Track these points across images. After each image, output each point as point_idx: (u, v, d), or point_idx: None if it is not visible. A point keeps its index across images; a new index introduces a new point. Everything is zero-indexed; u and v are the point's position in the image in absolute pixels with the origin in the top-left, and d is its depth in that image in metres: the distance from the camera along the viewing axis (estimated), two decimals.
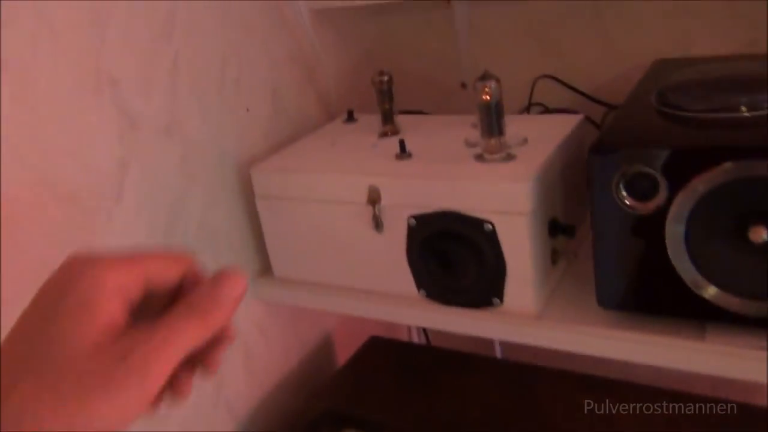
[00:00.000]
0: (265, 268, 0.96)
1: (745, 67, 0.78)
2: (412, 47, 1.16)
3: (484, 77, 0.74)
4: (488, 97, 0.74)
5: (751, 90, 0.69)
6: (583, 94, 1.02)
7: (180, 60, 0.82)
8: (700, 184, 0.62)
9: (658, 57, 0.95)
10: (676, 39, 0.96)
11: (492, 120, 0.75)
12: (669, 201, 0.64)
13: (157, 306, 0.41)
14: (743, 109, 0.66)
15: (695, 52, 0.95)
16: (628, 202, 0.65)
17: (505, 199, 0.72)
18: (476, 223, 0.74)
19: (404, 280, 0.82)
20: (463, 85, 1.15)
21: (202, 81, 0.85)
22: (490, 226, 0.74)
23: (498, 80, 0.74)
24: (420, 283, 0.82)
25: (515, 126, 0.85)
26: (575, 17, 1.02)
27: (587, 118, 0.98)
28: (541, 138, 0.81)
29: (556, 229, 0.78)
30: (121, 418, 0.35)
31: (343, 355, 1.13)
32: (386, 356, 1.10)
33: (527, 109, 1.05)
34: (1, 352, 0.36)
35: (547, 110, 1.05)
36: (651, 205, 0.65)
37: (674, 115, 0.69)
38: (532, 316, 0.76)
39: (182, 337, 0.38)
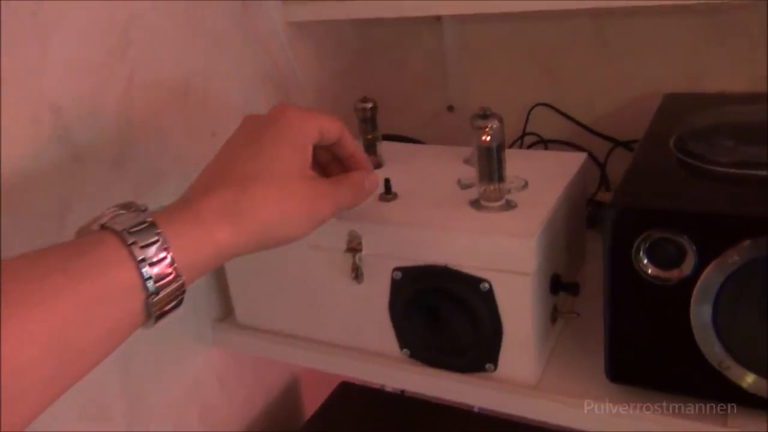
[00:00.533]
0: (227, 313, 0.86)
1: (757, 111, 0.70)
2: (397, 65, 1.07)
3: (485, 115, 0.65)
4: (489, 139, 0.65)
5: None
6: (582, 125, 0.94)
7: (136, 80, 0.71)
8: (735, 255, 0.54)
9: (665, 88, 0.87)
10: (686, 69, 0.88)
11: (492, 165, 0.66)
12: (697, 271, 0.55)
13: (319, 151, 0.62)
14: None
15: (705, 84, 0.87)
16: (649, 271, 0.57)
17: (506, 256, 0.63)
18: (471, 281, 0.65)
19: (385, 337, 0.73)
20: (450, 108, 1.06)
21: (162, 103, 0.75)
22: (487, 285, 0.65)
23: (501, 120, 0.65)
24: (403, 342, 0.73)
25: (512, 164, 0.76)
26: (576, 41, 0.93)
27: (588, 154, 0.90)
28: (543, 181, 0.73)
29: (558, 287, 0.70)
30: (305, 232, 0.56)
31: (311, 402, 1.03)
32: (358, 404, 1.00)
33: (521, 139, 0.97)
34: (230, 155, 0.55)
35: (542, 141, 0.97)
36: (675, 275, 0.56)
37: (699, 168, 0.61)
38: (529, 385, 0.68)
39: (344, 203, 0.60)
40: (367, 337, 0.75)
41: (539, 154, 0.82)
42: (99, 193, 0.69)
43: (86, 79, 0.66)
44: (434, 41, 1.02)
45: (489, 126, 0.65)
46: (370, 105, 0.81)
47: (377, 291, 0.71)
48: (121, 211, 0.46)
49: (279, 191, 0.52)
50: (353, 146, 0.64)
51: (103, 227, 0.44)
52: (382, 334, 0.73)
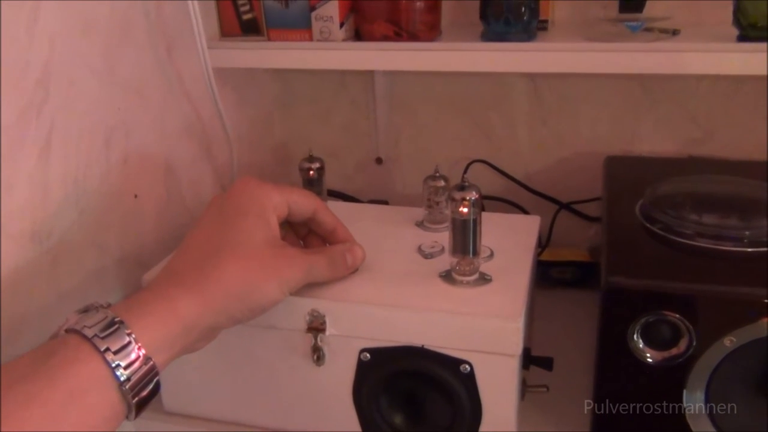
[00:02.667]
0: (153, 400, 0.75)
1: (723, 181, 0.72)
2: (321, 114, 1.01)
3: (464, 187, 0.61)
4: (466, 211, 0.61)
5: (743, 215, 0.63)
6: (520, 183, 0.94)
7: (54, 139, 0.60)
8: (733, 338, 0.53)
9: (599, 147, 0.89)
10: (620, 130, 0.90)
11: (467, 238, 0.62)
12: (694, 353, 0.55)
13: (297, 226, 0.63)
14: (746, 241, 0.60)
15: (638, 145, 0.90)
16: (647, 354, 0.56)
17: (490, 338, 0.59)
18: (451, 363, 0.61)
19: (347, 423, 0.66)
20: (379, 161, 1.01)
21: (82, 165, 0.64)
22: (468, 367, 0.61)
23: (479, 192, 0.62)
24: (367, 427, 0.66)
25: None
26: (512, 98, 0.93)
27: (522, 211, 0.90)
28: (507, 250, 0.70)
29: (530, 361, 0.67)
30: (273, 299, 0.55)
31: None
32: None
33: None
34: (193, 238, 0.54)
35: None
36: (669, 355, 0.56)
37: (675, 242, 0.61)
38: None
39: (319, 273, 0.60)
40: (326, 423, 0.67)
41: (495, 218, 0.79)
42: (12, 271, 0.57)
43: None
44: (362, 91, 0.98)
45: (467, 198, 0.61)
46: (317, 165, 0.75)
47: (340, 374, 0.65)
48: (82, 314, 0.46)
49: (243, 260, 0.52)
50: (332, 221, 0.62)
51: (66, 331, 0.45)
52: (344, 420, 0.66)
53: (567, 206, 0.90)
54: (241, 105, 0.91)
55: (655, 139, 0.89)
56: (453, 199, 0.62)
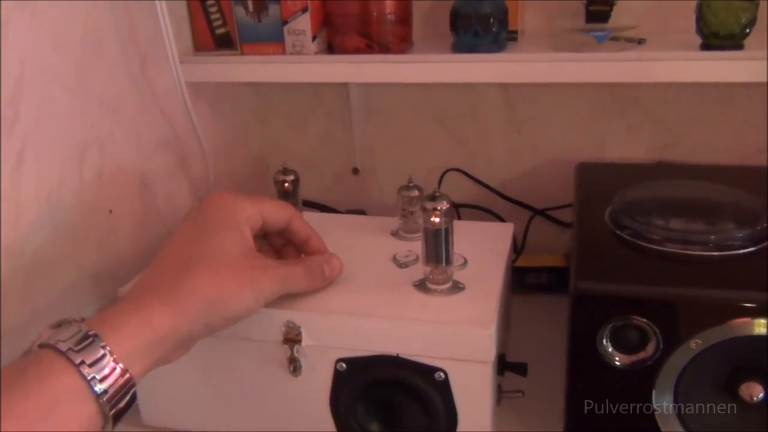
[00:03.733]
0: (131, 413, 0.75)
1: (691, 186, 0.74)
2: (297, 125, 1.02)
3: (435, 197, 0.62)
4: (438, 221, 0.62)
5: (710, 219, 0.65)
6: (494, 191, 0.95)
7: (26, 157, 0.60)
8: (699, 340, 0.55)
9: (571, 154, 0.90)
10: (591, 137, 0.91)
11: (440, 247, 0.63)
12: (661, 356, 0.56)
13: (273, 237, 0.64)
14: (711, 245, 0.61)
15: (609, 151, 0.91)
16: (616, 358, 0.57)
17: (463, 345, 0.60)
18: (425, 371, 0.62)
19: None
20: (355, 171, 1.02)
21: (55, 182, 0.64)
22: (443, 375, 0.61)
23: (451, 201, 0.63)
24: None
25: None
26: (485, 107, 0.94)
27: (498, 218, 0.91)
28: (481, 257, 0.71)
29: (504, 367, 0.68)
30: (248, 308, 0.55)
31: None
32: None
33: None
34: (167, 250, 0.54)
35: (453, 206, 0.95)
36: (637, 359, 0.57)
37: (641, 247, 0.62)
38: None
39: (295, 284, 0.60)
40: None
41: (468, 226, 0.80)
42: None
43: None
44: (338, 103, 0.98)
45: (438, 208, 0.62)
46: (291, 177, 0.75)
47: (317, 384, 0.65)
48: (56, 328, 0.46)
49: (217, 271, 0.53)
50: (307, 231, 0.63)
51: (40, 346, 0.45)
52: (322, 429, 0.67)
53: (542, 212, 0.91)
54: (216, 118, 0.92)
55: (626, 145, 0.90)
56: (425, 209, 0.63)
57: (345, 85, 0.97)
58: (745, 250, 0.61)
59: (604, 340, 0.57)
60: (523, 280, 0.91)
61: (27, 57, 0.59)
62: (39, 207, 0.62)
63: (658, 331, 0.55)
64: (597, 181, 0.79)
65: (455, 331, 0.60)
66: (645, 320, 0.55)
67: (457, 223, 0.90)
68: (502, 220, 0.92)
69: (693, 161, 0.87)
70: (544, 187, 0.93)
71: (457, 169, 0.95)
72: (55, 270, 0.65)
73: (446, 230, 0.63)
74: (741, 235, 0.62)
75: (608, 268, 0.61)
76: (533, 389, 0.69)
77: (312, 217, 0.85)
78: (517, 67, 0.77)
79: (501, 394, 0.70)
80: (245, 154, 0.98)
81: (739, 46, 0.72)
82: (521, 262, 0.92)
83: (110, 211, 0.72)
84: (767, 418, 0.56)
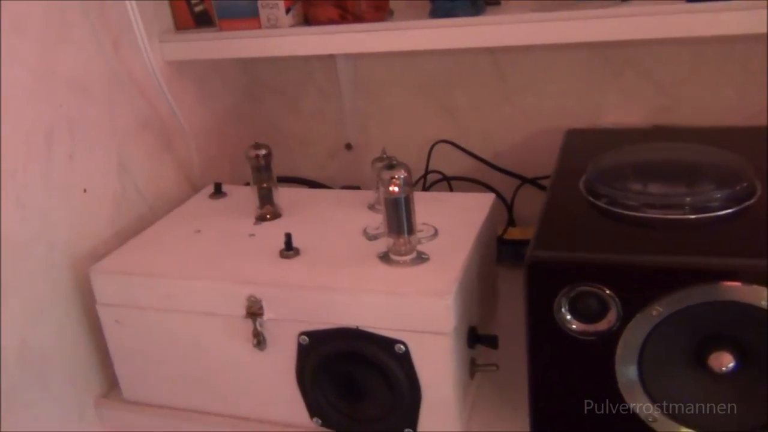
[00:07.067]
0: (111, 388, 0.76)
1: (676, 149, 0.70)
2: (289, 103, 1.01)
3: (392, 165, 0.61)
4: (397, 190, 0.61)
5: (693, 185, 0.61)
6: (485, 161, 0.92)
7: None
8: (659, 307, 0.51)
9: (565, 121, 0.86)
10: (585, 103, 0.88)
11: (401, 217, 0.62)
12: (621, 324, 0.53)
13: None
14: (688, 209, 0.57)
15: (605, 117, 0.87)
16: (573, 326, 0.54)
17: (422, 316, 0.59)
18: (385, 344, 0.60)
19: (293, 406, 0.67)
20: (348, 146, 1.01)
21: (20, 161, 0.65)
22: (403, 347, 0.60)
23: (408, 170, 0.61)
24: (313, 411, 0.66)
25: (420, 209, 0.72)
26: (474, 76, 0.91)
27: (492, 190, 0.88)
28: (453, 228, 0.69)
29: (475, 340, 0.66)
30: None
31: None
32: None
33: (424, 178, 0.94)
34: None
35: (445, 179, 0.93)
36: (599, 328, 0.54)
37: (613, 212, 0.59)
38: None
39: None
40: (273, 407, 0.68)
41: (446, 197, 0.78)
42: None
43: None
44: (327, 78, 0.97)
45: (396, 176, 0.61)
46: (263, 152, 0.75)
47: (282, 358, 0.65)
48: None
49: None
50: None
51: None
52: (290, 403, 0.67)
53: (531, 181, 0.88)
54: (203, 98, 0.92)
55: (622, 110, 0.86)
56: (382, 179, 0.61)
57: (333, 60, 0.95)
58: (724, 212, 0.57)
59: (563, 309, 0.54)
60: (517, 253, 0.89)
61: None
62: (4, 185, 0.63)
63: (616, 298, 0.52)
64: (583, 147, 0.76)
65: (413, 302, 0.59)
66: (601, 287, 0.52)
67: (433, 195, 0.89)
68: (494, 190, 0.89)
69: (692, 125, 0.82)
70: (537, 156, 0.90)
71: (448, 141, 0.92)
72: (25, 251, 0.66)
73: (406, 199, 0.62)
74: (719, 195, 0.58)
75: (568, 235, 0.59)
76: (516, 363, 0.67)
77: (295, 193, 0.85)
78: (496, 30, 0.74)
79: (475, 367, 0.68)
80: (238, 134, 0.98)
81: None
82: (515, 235, 0.89)
83: (84, 191, 0.72)
84: (737, 387, 0.53)
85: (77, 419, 0.73)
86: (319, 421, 0.67)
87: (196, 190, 0.87)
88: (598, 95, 0.87)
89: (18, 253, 0.65)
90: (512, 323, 0.72)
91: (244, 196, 0.81)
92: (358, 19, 0.77)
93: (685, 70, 0.82)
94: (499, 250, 0.81)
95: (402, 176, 0.61)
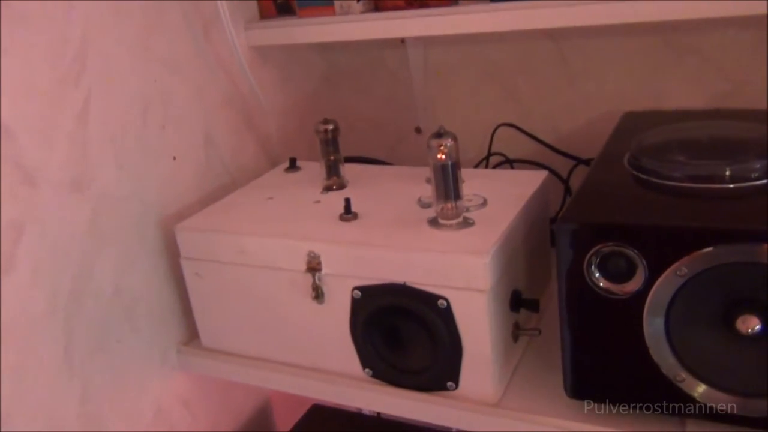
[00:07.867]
0: (192, 336, 0.85)
1: (723, 126, 0.71)
2: (363, 88, 1.08)
3: (440, 134, 0.66)
4: (444, 157, 0.66)
5: (734, 156, 0.62)
6: (545, 144, 0.95)
7: (92, 104, 0.71)
8: (684, 268, 0.54)
9: (626, 106, 0.88)
10: (646, 88, 0.89)
11: (448, 183, 0.67)
12: (648, 284, 0.56)
13: None
14: (728, 178, 0.59)
15: (666, 102, 0.89)
16: (601, 284, 0.57)
17: (461, 274, 0.63)
18: (429, 299, 0.65)
19: (347, 357, 0.73)
20: (418, 130, 1.07)
21: (119, 128, 0.74)
22: (445, 303, 0.65)
23: (455, 138, 0.66)
24: (365, 362, 0.72)
25: (474, 183, 0.77)
26: (537, 62, 0.95)
27: (552, 172, 0.91)
28: (502, 199, 0.73)
29: (519, 304, 0.70)
30: None
31: (282, 425, 1.02)
32: (331, 427, 0.99)
33: (486, 159, 0.98)
34: None
35: (507, 161, 0.97)
36: (627, 288, 0.57)
37: (652, 182, 0.62)
38: (491, 403, 0.67)
39: None
40: (330, 357, 0.74)
41: (501, 174, 0.82)
42: (54, 217, 0.68)
43: (38, 102, 0.66)
44: (399, 64, 1.03)
45: (443, 144, 0.66)
46: (330, 126, 0.81)
47: (338, 311, 0.71)
48: None
49: None
50: None
51: None
52: (344, 354, 0.73)
53: (586, 162, 0.90)
54: (283, 81, 1.00)
55: (683, 94, 0.87)
56: (430, 147, 0.67)
57: (404, 47, 1.01)
58: (762, 182, 0.59)
59: (592, 267, 0.57)
60: None
61: (91, 19, 0.70)
62: (103, 147, 0.73)
63: (642, 258, 0.55)
64: (635, 128, 0.78)
65: (454, 261, 0.64)
66: (630, 247, 0.55)
67: (488, 171, 0.93)
68: (554, 172, 0.92)
69: (755, 108, 0.82)
70: (598, 140, 0.91)
71: (510, 124, 0.96)
72: (121, 205, 0.76)
73: (453, 165, 0.67)
74: (758, 166, 0.59)
75: (602, 199, 0.62)
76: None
77: (361, 168, 0.91)
78: (558, 12, 0.76)
79: (518, 331, 0.72)
80: (314, 116, 1.06)
81: None
82: None
83: (174, 158, 0.82)
84: (765, 350, 0.54)
85: (159, 362, 0.83)
86: (370, 372, 0.72)
87: (273, 164, 0.96)
88: (660, 80, 0.88)
89: (115, 208, 0.75)
90: None
91: (315, 171, 0.88)
92: (424, 4, 0.83)
93: (747, 55, 0.82)
94: (553, 230, 0.84)
95: (449, 144, 0.66)
